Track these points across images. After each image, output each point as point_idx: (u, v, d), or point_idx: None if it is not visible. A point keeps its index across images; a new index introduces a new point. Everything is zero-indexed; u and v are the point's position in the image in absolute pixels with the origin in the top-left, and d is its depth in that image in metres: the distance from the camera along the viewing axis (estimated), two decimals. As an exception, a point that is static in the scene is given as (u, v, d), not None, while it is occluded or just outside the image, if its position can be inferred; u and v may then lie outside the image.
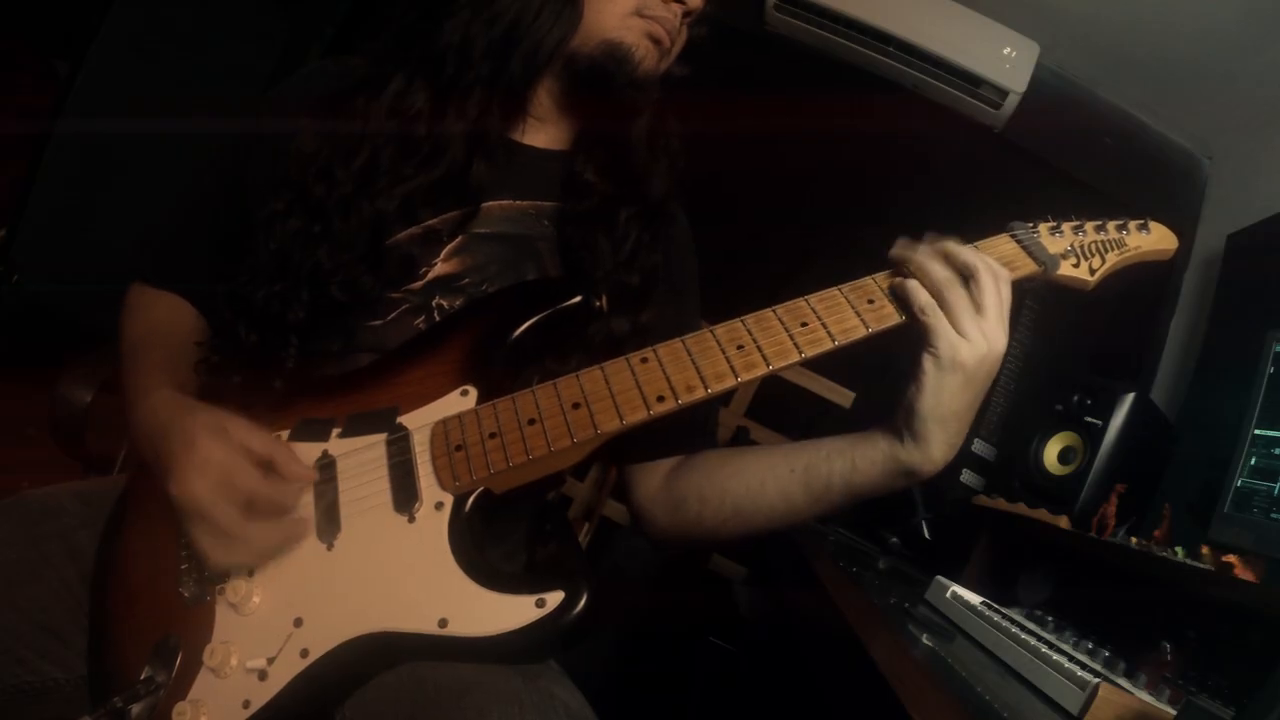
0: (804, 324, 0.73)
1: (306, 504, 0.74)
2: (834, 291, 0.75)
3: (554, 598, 0.65)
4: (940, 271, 0.71)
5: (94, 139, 2.15)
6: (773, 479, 0.81)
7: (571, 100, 0.92)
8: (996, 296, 0.71)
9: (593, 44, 0.86)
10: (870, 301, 0.74)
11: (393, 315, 0.85)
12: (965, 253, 0.72)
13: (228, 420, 0.71)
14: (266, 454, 0.70)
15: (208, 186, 0.96)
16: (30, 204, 2.13)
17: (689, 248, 1.02)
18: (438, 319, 0.86)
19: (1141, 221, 0.82)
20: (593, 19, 0.85)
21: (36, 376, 1.15)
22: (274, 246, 0.82)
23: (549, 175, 0.92)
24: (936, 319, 0.70)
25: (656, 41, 0.86)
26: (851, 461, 0.76)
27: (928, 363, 0.71)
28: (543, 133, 0.94)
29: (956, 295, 0.70)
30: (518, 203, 0.91)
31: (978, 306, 0.70)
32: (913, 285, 0.72)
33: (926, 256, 0.72)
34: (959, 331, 0.70)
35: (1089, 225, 0.81)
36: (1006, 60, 2.02)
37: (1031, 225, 0.80)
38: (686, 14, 0.87)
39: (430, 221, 0.86)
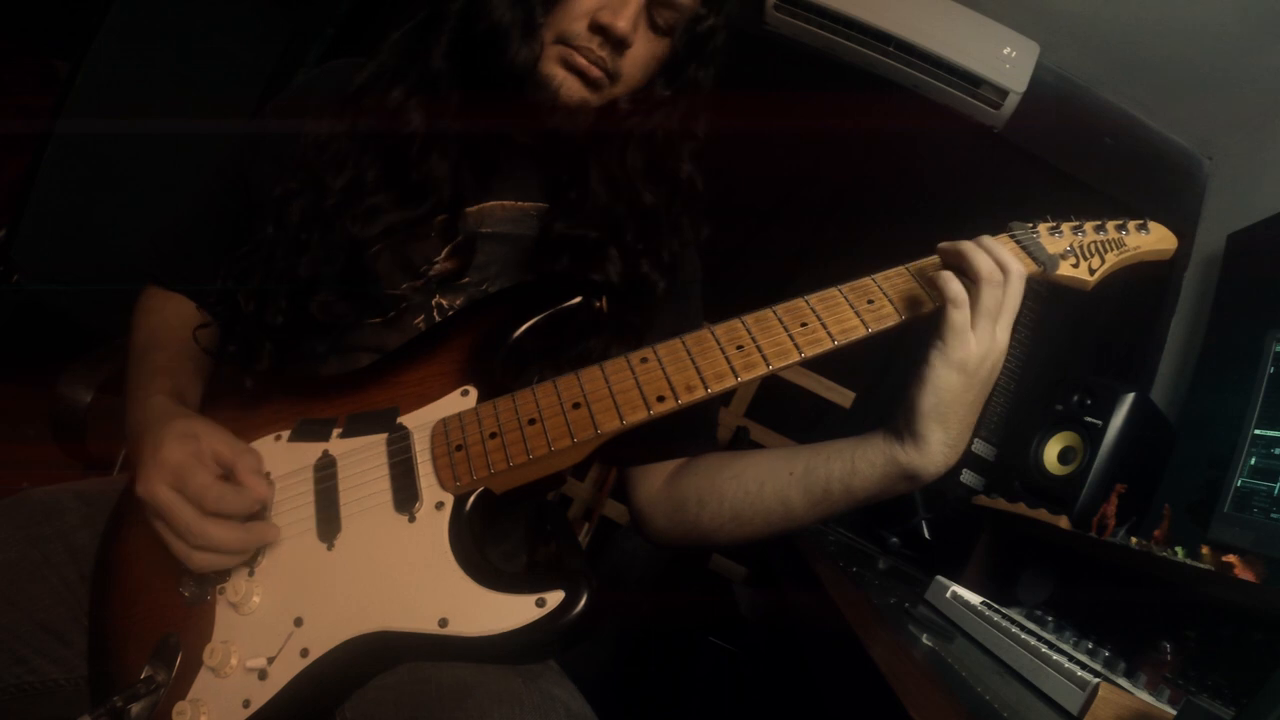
0: (804, 324, 0.73)
1: (305, 505, 0.74)
2: (834, 291, 0.75)
3: (554, 597, 0.65)
4: (988, 264, 0.70)
5: (94, 139, 2.15)
6: (771, 482, 0.81)
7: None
8: (1019, 296, 0.71)
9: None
10: (870, 302, 0.74)
11: (392, 314, 0.85)
12: (1003, 251, 0.72)
13: (201, 427, 0.73)
14: (230, 461, 0.71)
15: (214, 188, 0.97)
16: (30, 204, 2.14)
17: (691, 253, 1.02)
18: (438, 319, 0.86)
19: (1141, 222, 0.82)
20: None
21: (36, 376, 1.15)
22: (263, 253, 0.82)
23: (533, 175, 0.92)
24: (962, 313, 0.70)
25: (578, 72, 0.81)
26: (851, 463, 0.76)
27: (935, 357, 0.70)
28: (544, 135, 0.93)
29: (993, 295, 0.70)
30: (519, 204, 0.90)
31: (1000, 307, 0.71)
32: (947, 275, 0.71)
33: (975, 249, 0.72)
34: (972, 328, 0.70)
35: (1088, 225, 0.81)
36: (1006, 60, 2.02)
37: (1031, 225, 0.80)
38: (617, 43, 0.80)
39: (425, 225, 0.85)
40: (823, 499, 0.78)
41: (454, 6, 0.83)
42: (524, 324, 0.79)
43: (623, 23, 0.78)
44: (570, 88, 0.81)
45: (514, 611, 0.65)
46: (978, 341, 0.70)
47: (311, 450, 0.76)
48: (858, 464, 0.75)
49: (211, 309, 0.92)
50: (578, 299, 0.80)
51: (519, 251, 0.89)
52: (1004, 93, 2.04)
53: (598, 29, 0.79)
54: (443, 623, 0.66)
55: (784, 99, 1.97)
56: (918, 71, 2.08)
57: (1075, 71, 2.14)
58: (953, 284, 0.70)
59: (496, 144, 0.88)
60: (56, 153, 2.14)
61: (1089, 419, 1.53)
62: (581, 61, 0.80)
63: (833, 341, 0.72)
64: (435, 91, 0.83)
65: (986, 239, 0.73)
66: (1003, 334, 0.71)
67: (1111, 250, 0.80)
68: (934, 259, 0.75)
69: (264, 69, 2.44)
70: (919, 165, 2.26)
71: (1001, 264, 0.71)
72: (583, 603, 0.65)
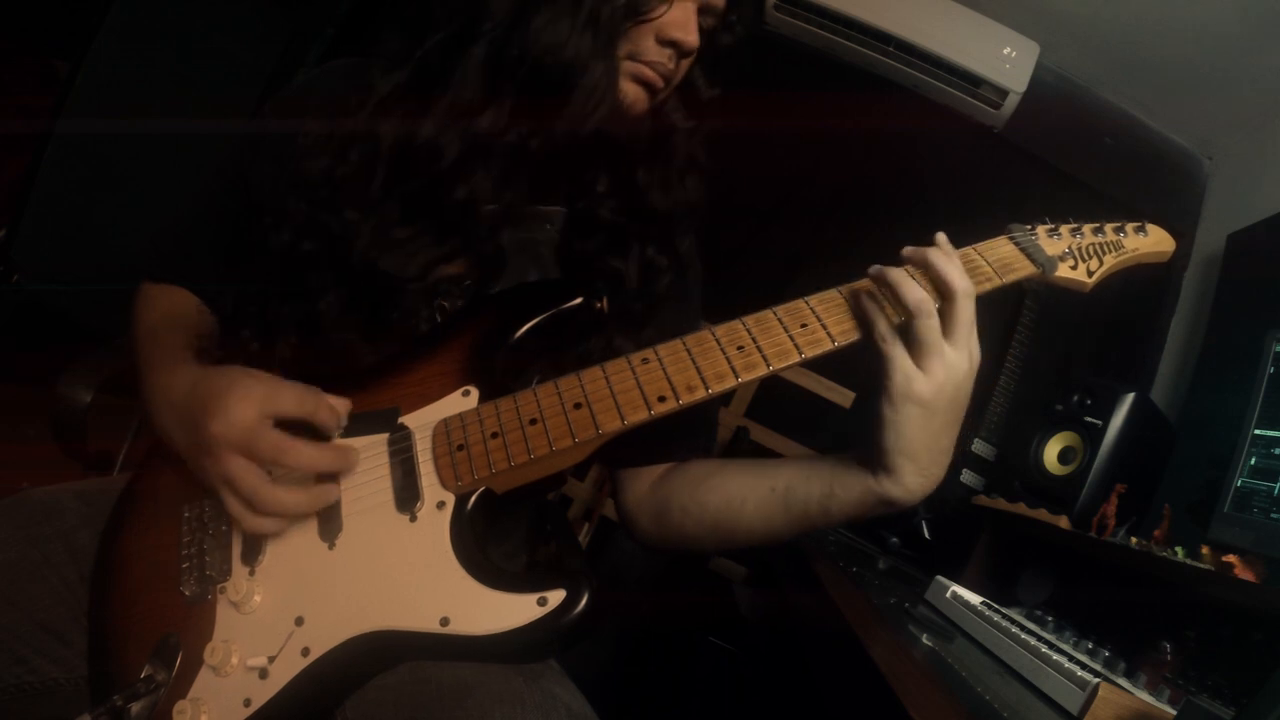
0: (804, 325, 0.73)
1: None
2: (834, 292, 0.75)
3: (555, 596, 0.65)
4: (914, 296, 0.67)
5: (94, 139, 2.15)
6: (753, 497, 0.81)
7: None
8: (969, 318, 0.68)
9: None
10: (870, 302, 0.74)
11: (395, 317, 0.85)
12: (947, 268, 0.68)
13: (258, 371, 0.73)
14: (301, 392, 0.72)
15: (214, 188, 0.96)
16: (30, 204, 2.14)
17: (692, 252, 1.02)
18: (439, 319, 0.86)
19: (1139, 224, 0.82)
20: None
21: (36, 376, 1.15)
22: (274, 289, 0.82)
23: (555, 179, 0.92)
24: (894, 348, 0.68)
25: (646, 84, 0.83)
26: (829, 488, 0.75)
27: (883, 399, 0.69)
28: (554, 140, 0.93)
29: (928, 326, 0.66)
30: (527, 206, 0.90)
31: (947, 331, 0.67)
32: (873, 309, 0.70)
33: (903, 277, 0.68)
34: (918, 364, 0.68)
35: (1086, 227, 0.81)
36: (1006, 60, 2.02)
37: (1030, 227, 0.80)
38: (685, 55, 0.83)
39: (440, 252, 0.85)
40: (803, 517, 0.78)
41: (493, 22, 0.80)
42: (525, 324, 0.79)
43: (692, 37, 0.81)
44: (640, 100, 0.83)
45: (515, 610, 0.65)
46: (928, 376, 0.67)
47: (312, 450, 0.76)
48: (835, 489, 0.75)
49: (214, 308, 0.92)
50: (579, 300, 0.80)
51: (522, 253, 0.89)
52: (1004, 93, 2.05)
53: (668, 44, 0.81)
54: (444, 622, 0.66)
55: (784, 99, 1.98)
56: (918, 71, 2.09)
57: (1075, 71, 2.15)
58: (879, 322, 0.69)
59: (521, 153, 0.87)
60: (56, 153, 2.14)
61: (1089, 419, 1.53)
62: (651, 74, 0.82)
63: (833, 342, 0.72)
64: (465, 112, 0.80)
65: (932, 253, 0.69)
66: (956, 358, 0.67)
67: (1110, 252, 0.80)
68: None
69: (264, 69, 2.44)
70: (919, 165, 2.26)
71: (941, 286, 0.68)
72: (584, 602, 0.65)
